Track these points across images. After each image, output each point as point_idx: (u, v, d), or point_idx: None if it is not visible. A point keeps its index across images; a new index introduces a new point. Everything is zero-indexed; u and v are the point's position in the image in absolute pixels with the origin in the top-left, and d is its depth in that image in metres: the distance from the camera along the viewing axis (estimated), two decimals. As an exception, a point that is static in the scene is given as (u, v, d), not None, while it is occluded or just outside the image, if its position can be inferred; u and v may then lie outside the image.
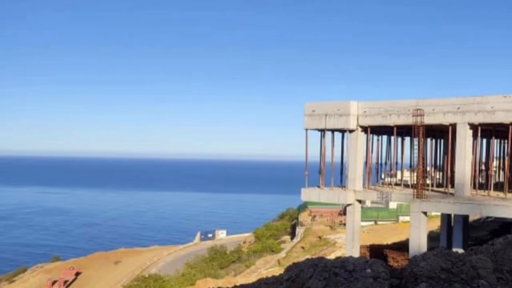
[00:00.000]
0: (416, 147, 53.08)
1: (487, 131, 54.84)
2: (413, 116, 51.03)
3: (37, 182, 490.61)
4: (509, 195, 50.41)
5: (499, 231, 59.41)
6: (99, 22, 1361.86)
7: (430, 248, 44.25)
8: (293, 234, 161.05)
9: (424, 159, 54.77)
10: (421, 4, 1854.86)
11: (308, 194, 59.52)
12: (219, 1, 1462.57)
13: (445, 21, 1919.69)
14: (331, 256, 72.49)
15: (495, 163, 64.49)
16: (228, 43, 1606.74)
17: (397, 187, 60.54)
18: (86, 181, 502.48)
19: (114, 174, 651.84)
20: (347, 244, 57.10)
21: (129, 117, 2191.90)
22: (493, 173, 59.72)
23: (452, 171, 53.66)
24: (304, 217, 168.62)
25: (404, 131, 57.32)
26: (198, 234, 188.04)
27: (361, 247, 59.06)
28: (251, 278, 67.80)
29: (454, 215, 57.50)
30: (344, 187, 57.74)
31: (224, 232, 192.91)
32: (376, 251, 60.26)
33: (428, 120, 50.99)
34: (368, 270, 11.69)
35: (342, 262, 12.03)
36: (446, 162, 57.17)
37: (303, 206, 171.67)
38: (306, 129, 58.18)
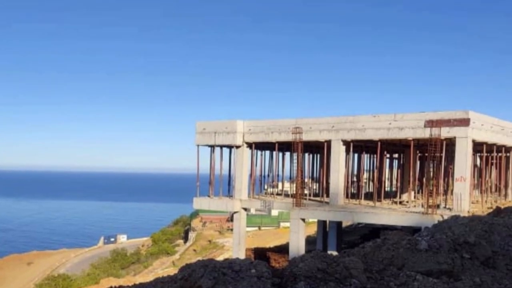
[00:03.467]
0: (295, 161, 52.52)
1: (359, 147, 54.60)
2: (292, 133, 50.57)
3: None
4: (377, 203, 50.22)
5: (369, 235, 59.30)
6: (12, 50, 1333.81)
7: (307, 250, 43.50)
8: (186, 238, 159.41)
9: (302, 171, 54.47)
10: (298, 35, 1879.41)
11: (200, 202, 58.69)
12: (119, 31, 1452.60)
13: (319, 50, 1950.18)
14: (220, 258, 71.35)
15: (365, 175, 64.73)
16: (127, 69, 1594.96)
17: (278, 197, 60.08)
18: (0, 192, 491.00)
19: (27, 185, 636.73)
20: (234, 247, 56.29)
21: (38, 134, 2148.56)
22: (363, 184, 59.80)
23: (327, 182, 53.16)
24: (196, 223, 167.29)
25: (285, 147, 56.64)
26: (102, 239, 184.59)
27: (247, 249, 58.39)
28: (149, 278, 66.06)
29: (329, 221, 57.02)
30: (232, 196, 56.82)
31: (125, 236, 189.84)
32: (260, 253, 59.43)
33: (306, 137, 50.50)
34: (253, 270, 11.11)
35: (229, 263, 11.42)
36: (322, 174, 57.16)
37: (195, 214, 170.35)
38: (198, 145, 57.41)
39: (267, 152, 62.35)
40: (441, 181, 47.63)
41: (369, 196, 56.24)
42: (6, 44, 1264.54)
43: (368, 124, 47.14)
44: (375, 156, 56.63)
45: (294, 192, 52.78)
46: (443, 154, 44.20)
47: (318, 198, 56.24)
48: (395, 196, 58.39)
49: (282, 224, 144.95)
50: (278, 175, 62.50)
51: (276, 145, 54.50)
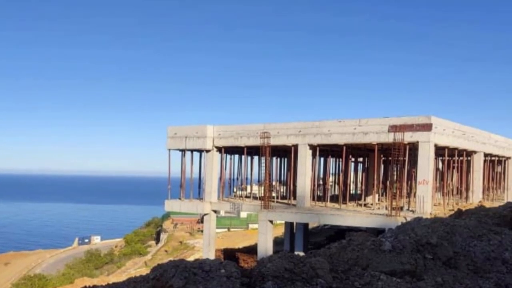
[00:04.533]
0: (263, 164, 52.39)
1: (325, 151, 54.49)
2: (260, 138, 50.24)
3: None
4: (343, 206, 50.15)
5: (334, 236, 59.40)
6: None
7: (275, 251, 43.02)
8: (158, 240, 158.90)
9: (270, 175, 54.02)
10: (266, 42, 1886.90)
11: (171, 205, 58.18)
12: (94, 39, 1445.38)
13: (287, 57, 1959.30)
14: (191, 258, 70.86)
15: (331, 178, 64.58)
16: (101, 76, 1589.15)
17: (247, 199, 59.51)
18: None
19: (4, 188, 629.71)
20: (204, 248, 55.78)
21: (17, 139, 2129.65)
22: (329, 187, 59.85)
23: (295, 185, 52.91)
24: (167, 224, 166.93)
25: (253, 151, 56.40)
26: (76, 240, 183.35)
27: (216, 250, 58.08)
28: (122, 277, 65.20)
29: (296, 223, 57.20)
30: (202, 199, 56.37)
31: (99, 237, 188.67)
32: (229, 254, 59.75)
33: (274, 141, 50.14)
34: (222, 270, 10.93)
35: (200, 263, 11.20)
36: (289, 177, 56.96)
37: (167, 216, 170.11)
38: (169, 149, 57.04)
39: (236, 156, 61.84)
40: (405, 184, 47.62)
41: (334, 199, 56.39)
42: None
43: (333, 129, 46.83)
44: (340, 160, 56.37)
45: (262, 195, 52.43)
46: (406, 158, 44.12)
47: (285, 201, 56.07)
48: (360, 199, 58.07)
49: (250, 226, 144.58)
50: (246, 178, 62.05)
51: (245, 149, 54.12)
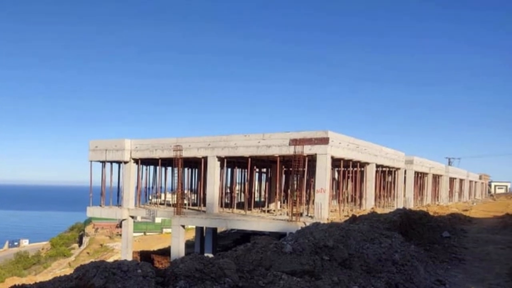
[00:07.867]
0: (176, 175, 50.98)
1: (232, 162, 53.83)
2: (173, 151, 49.28)
3: None
4: (248, 212, 49.24)
5: (240, 240, 58.89)
6: None
7: (187, 253, 41.75)
8: (80, 243, 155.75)
9: (182, 184, 53.02)
10: (179, 64, 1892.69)
11: (92, 211, 56.49)
12: (21, 61, 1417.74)
13: (197, 77, 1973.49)
14: (110, 260, 68.59)
15: (237, 187, 64.06)
16: (29, 94, 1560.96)
17: (161, 206, 58.38)
18: None
19: None
20: (123, 250, 54.34)
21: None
22: (236, 195, 59.29)
23: (204, 194, 51.75)
24: (89, 229, 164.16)
25: (167, 162, 55.29)
26: (7, 243, 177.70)
27: (134, 252, 56.64)
28: (48, 277, 62.24)
29: (206, 228, 56.18)
30: (120, 206, 54.70)
31: (27, 241, 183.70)
32: (145, 256, 58.19)
33: (186, 153, 49.08)
34: (139, 270, 11.20)
35: (118, 264, 11.39)
36: (200, 186, 56.14)
37: (89, 221, 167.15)
38: (91, 161, 55.54)
39: (152, 167, 60.85)
40: (304, 192, 46.92)
41: (240, 206, 55.57)
42: None
43: (240, 142, 45.93)
44: (246, 170, 55.75)
45: (175, 202, 51.40)
46: (306, 169, 43.47)
47: (196, 207, 55.20)
48: (263, 206, 58.00)
49: (164, 230, 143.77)
50: (161, 187, 61.15)
51: (160, 161, 52.96)
